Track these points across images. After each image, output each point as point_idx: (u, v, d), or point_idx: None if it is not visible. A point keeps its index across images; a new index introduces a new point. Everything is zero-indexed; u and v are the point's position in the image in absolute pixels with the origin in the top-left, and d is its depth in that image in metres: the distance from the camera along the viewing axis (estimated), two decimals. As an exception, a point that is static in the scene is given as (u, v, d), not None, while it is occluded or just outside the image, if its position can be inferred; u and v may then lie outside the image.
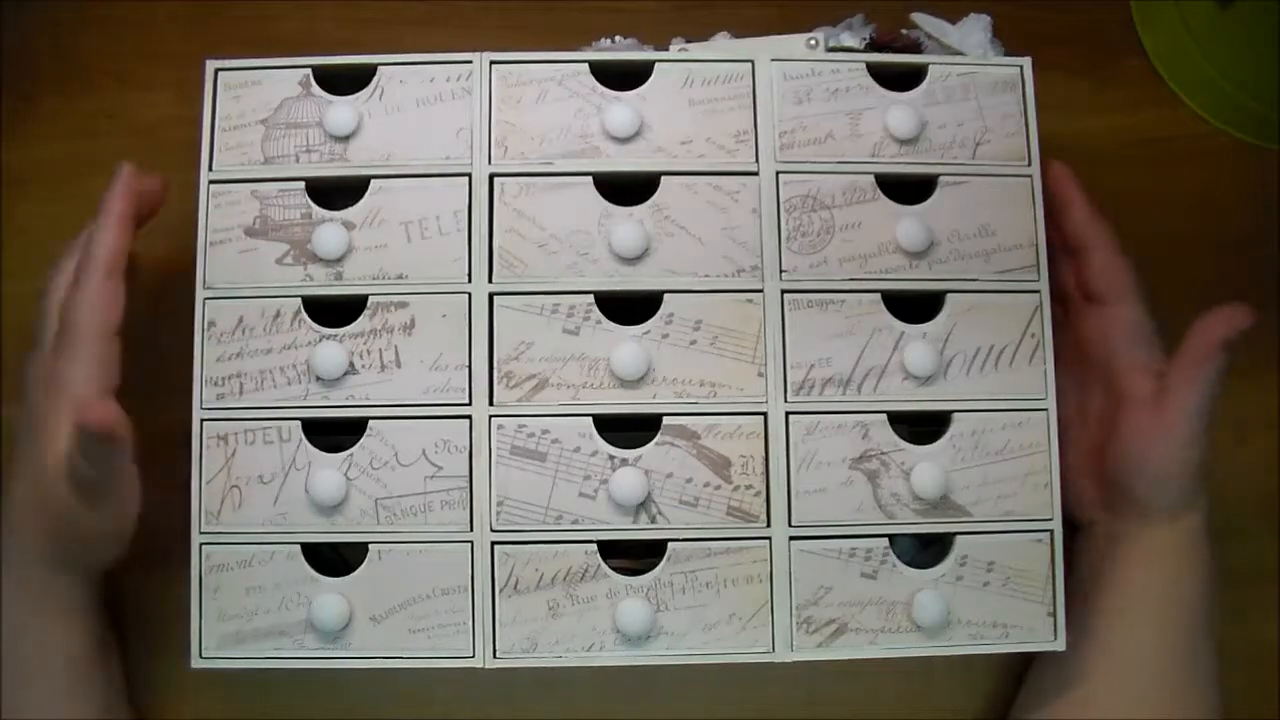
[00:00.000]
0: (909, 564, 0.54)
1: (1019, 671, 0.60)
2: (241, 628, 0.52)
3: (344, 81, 0.55)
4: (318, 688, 0.59)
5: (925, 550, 0.57)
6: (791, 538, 0.54)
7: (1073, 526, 0.58)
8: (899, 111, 0.55)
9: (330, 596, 0.52)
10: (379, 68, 0.55)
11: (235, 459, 0.53)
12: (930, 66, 0.57)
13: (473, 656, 0.53)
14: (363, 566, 0.53)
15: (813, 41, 0.58)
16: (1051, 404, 0.55)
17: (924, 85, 0.57)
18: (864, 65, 0.56)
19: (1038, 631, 0.54)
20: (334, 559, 0.55)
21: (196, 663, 0.52)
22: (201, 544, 0.53)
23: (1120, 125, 0.67)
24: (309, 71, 0.55)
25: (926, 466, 0.54)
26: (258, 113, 0.55)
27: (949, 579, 0.54)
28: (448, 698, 0.59)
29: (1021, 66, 0.57)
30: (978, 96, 0.57)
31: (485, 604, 0.53)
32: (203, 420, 0.53)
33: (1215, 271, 0.65)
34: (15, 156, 0.62)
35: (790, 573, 0.53)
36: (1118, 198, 0.65)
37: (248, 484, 0.53)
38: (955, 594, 0.54)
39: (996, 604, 0.54)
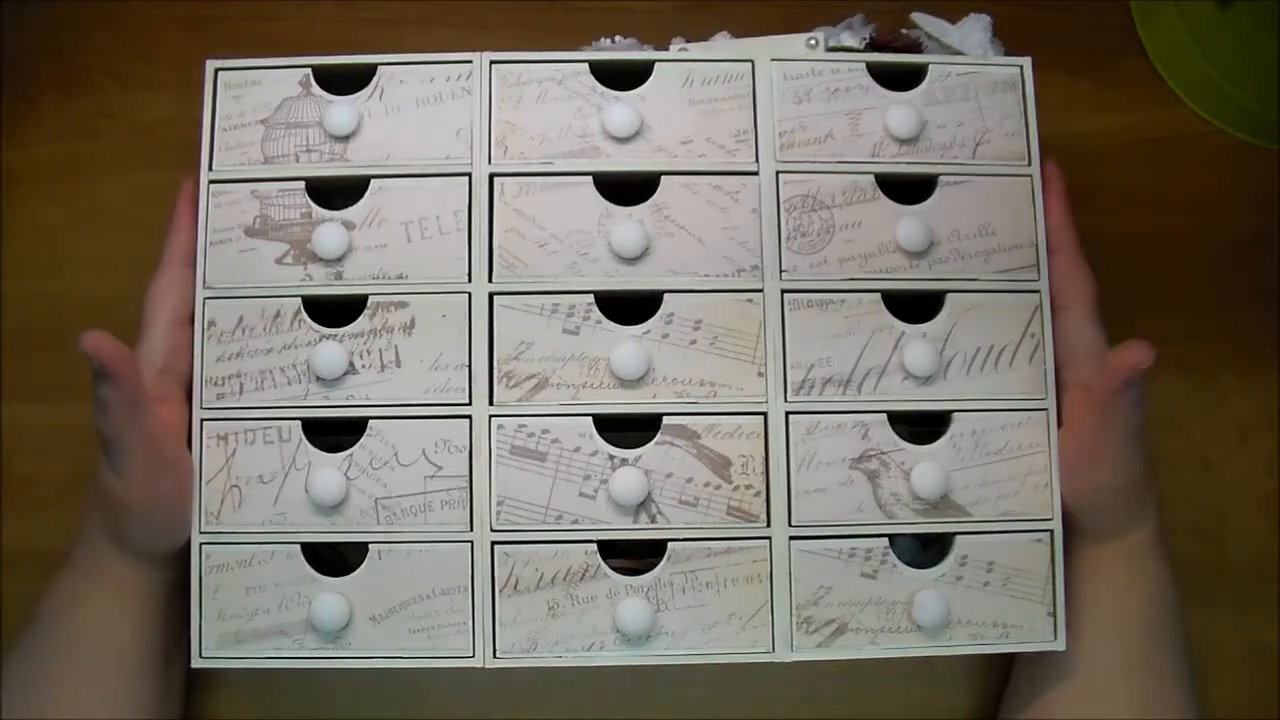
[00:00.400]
0: (909, 564, 0.54)
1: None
2: (241, 627, 0.52)
3: (344, 81, 0.55)
4: (318, 688, 0.59)
5: (925, 550, 0.57)
6: (791, 538, 0.54)
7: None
8: (899, 111, 0.55)
9: (330, 596, 0.52)
10: (379, 68, 0.55)
11: (235, 459, 0.53)
12: (930, 66, 0.57)
13: (473, 656, 0.53)
14: (363, 566, 0.53)
15: (813, 41, 0.58)
16: (1051, 404, 0.55)
17: (924, 85, 0.57)
18: (864, 65, 0.56)
19: (1038, 631, 0.54)
20: (334, 559, 0.55)
21: (196, 662, 0.52)
22: (201, 544, 0.53)
23: (1120, 125, 0.67)
24: (309, 71, 0.55)
25: (927, 466, 0.54)
26: (258, 112, 0.55)
27: (949, 579, 0.54)
28: (447, 697, 0.59)
29: (1021, 66, 0.57)
30: (978, 96, 0.57)
31: (485, 604, 0.53)
32: (203, 420, 0.53)
33: (1215, 271, 0.65)
34: (15, 156, 0.62)
35: (790, 573, 0.53)
36: (1118, 198, 0.65)
37: (248, 484, 0.53)
38: (955, 594, 0.54)
39: (996, 604, 0.54)
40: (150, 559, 0.54)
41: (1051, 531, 0.54)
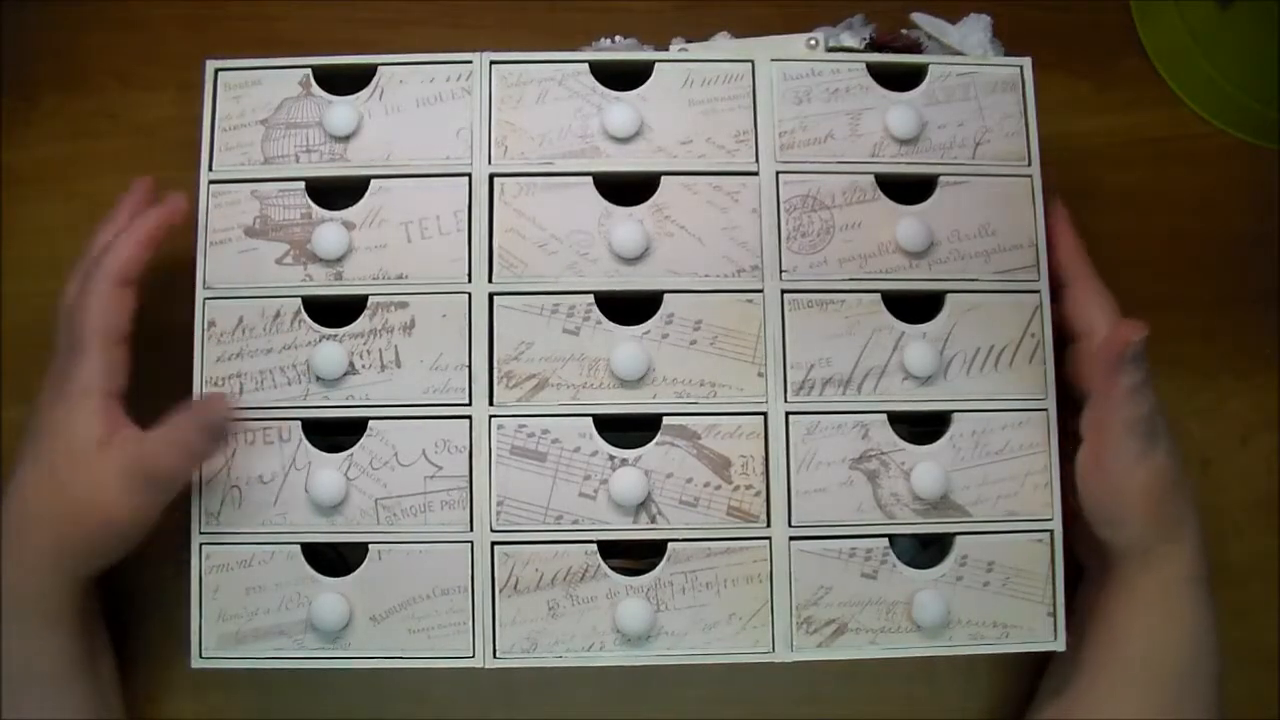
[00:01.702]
0: (909, 564, 0.54)
1: (1021, 672, 0.60)
2: (241, 628, 0.52)
3: (344, 81, 0.55)
4: (318, 688, 0.59)
5: (925, 550, 0.57)
6: (791, 538, 0.54)
7: (1079, 570, 0.58)
8: (899, 111, 0.55)
9: (330, 596, 0.52)
10: (379, 68, 0.55)
11: (235, 459, 0.53)
12: (930, 66, 0.57)
13: (472, 656, 0.53)
14: (363, 566, 0.53)
15: (813, 41, 0.58)
16: (1051, 404, 0.55)
17: (924, 85, 0.57)
18: (864, 65, 0.56)
19: (1038, 632, 0.54)
20: (334, 559, 0.55)
21: (196, 663, 0.52)
22: (201, 544, 0.53)
23: (1120, 125, 0.67)
24: (309, 71, 0.55)
25: (927, 466, 0.54)
26: (258, 113, 0.55)
27: (949, 579, 0.54)
28: (447, 697, 0.59)
29: (1021, 67, 0.57)
30: (978, 96, 0.57)
31: (485, 604, 0.53)
32: (203, 420, 0.53)
33: (1215, 271, 0.65)
34: (15, 156, 0.62)
35: (790, 573, 0.53)
36: (1118, 198, 0.65)
37: (248, 484, 0.53)
38: (955, 594, 0.54)
39: (996, 604, 0.54)
40: (97, 572, 0.54)
41: (1051, 532, 0.54)
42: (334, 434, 0.54)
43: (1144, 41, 0.68)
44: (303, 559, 0.53)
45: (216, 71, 0.55)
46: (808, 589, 0.53)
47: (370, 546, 0.53)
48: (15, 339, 0.60)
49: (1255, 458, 0.63)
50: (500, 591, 0.53)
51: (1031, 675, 0.59)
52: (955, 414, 0.55)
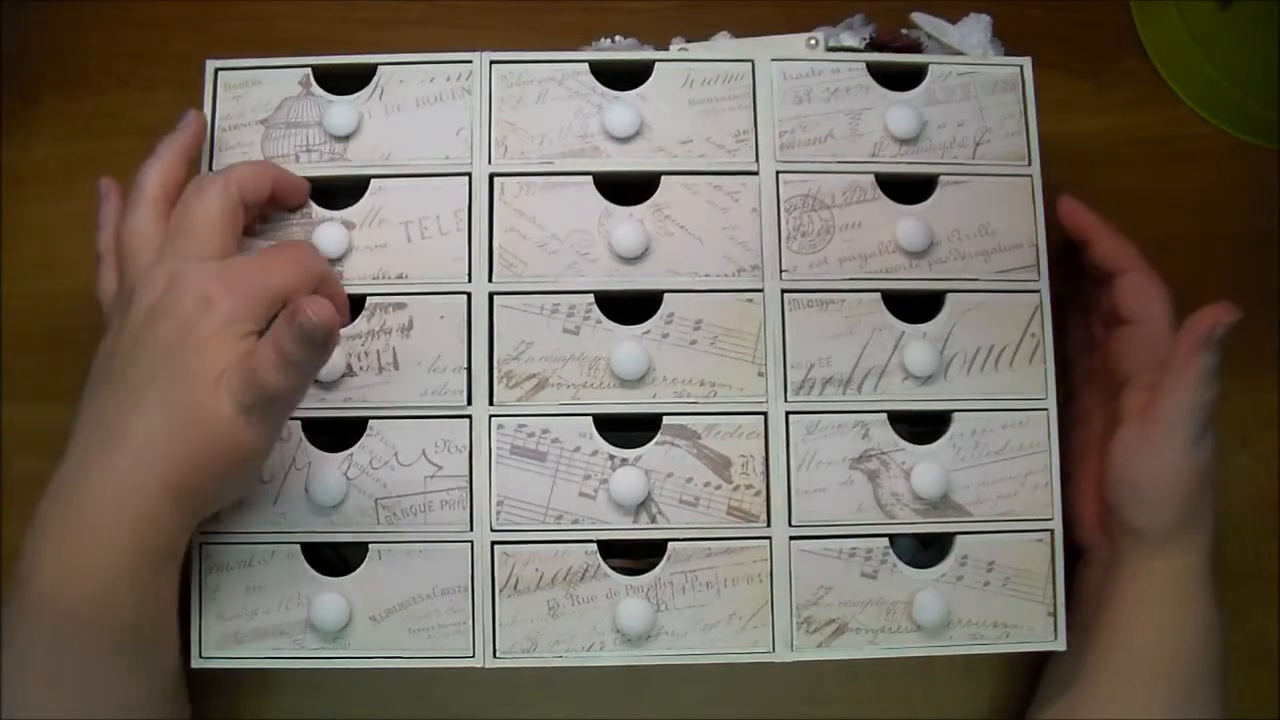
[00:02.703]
0: (909, 564, 0.54)
1: (1021, 672, 0.60)
2: (241, 627, 0.52)
3: (344, 81, 0.55)
4: (318, 688, 0.59)
5: (925, 550, 0.57)
6: (792, 537, 0.54)
7: (1075, 553, 0.58)
8: (899, 111, 0.55)
9: (330, 596, 0.52)
10: (379, 67, 0.55)
11: None
12: (930, 66, 0.57)
13: (473, 656, 0.53)
14: (363, 566, 0.53)
15: (813, 41, 0.58)
16: (1052, 404, 0.55)
17: (924, 85, 0.57)
18: (864, 65, 0.56)
19: (1038, 631, 0.54)
20: (334, 559, 0.55)
21: (196, 662, 0.52)
22: (201, 543, 0.53)
23: (1120, 125, 0.66)
24: (309, 71, 0.55)
25: (927, 466, 0.54)
26: (258, 112, 0.55)
27: (949, 579, 0.54)
28: (448, 697, 0.59)
29: (1021, 66, 0.57)
30: (978, 96, 0.57)
31: (485, 604, 0.53)
32: (202, 420, 0.53)
33: (1215, 271, 0.65)
34: (15, 156, 0.62)
35: (790, 572, 0.53)
36: (1118, 198, 0.65)
37: None
38: (955, 594, 0.54)
39: (997, 604, 0.54)
40: (204, 515, 0.50)
41: (1052, 531, 0.54)
42: (334, 433, 0.54)
43: (1144, 41, 0.68)
44: (303, 559, 0.53)
45: (216, 71, 0.55)
46: (808, 589, 0.53)
47: (370, 546, 0.53)
48: (15, 339, 0.60)
49: (1255, 458, 0.63)
50: (500, 591, 0.53)
51: (1031, 675, 0.59)
52: (955, 414, 0.55)
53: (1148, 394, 0.53)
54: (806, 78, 0.56)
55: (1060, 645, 0.54)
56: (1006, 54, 0.59)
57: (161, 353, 0.47)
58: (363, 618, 0.52)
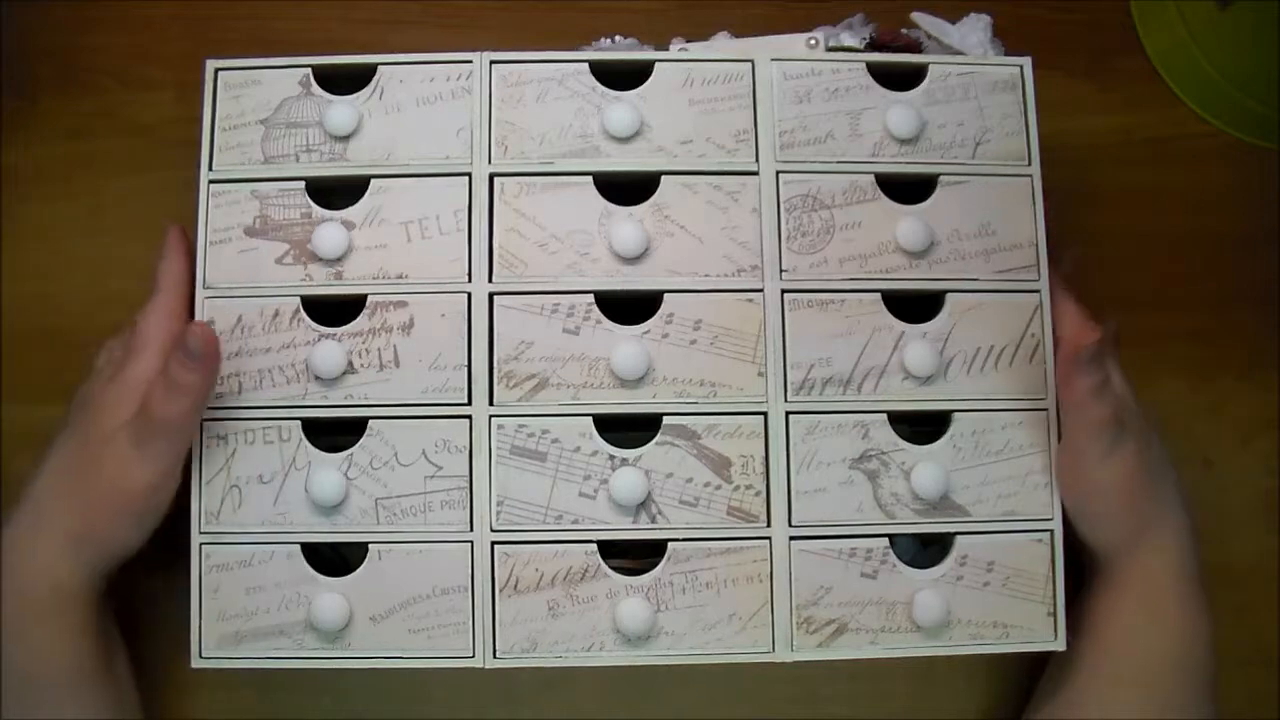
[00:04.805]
0: (909, 563, 0.54)
1: (1019, 672, 0.60)
2: (241, 627, 0.52)
3: (344, 81, 0.55)
4: (319, 688, 0.59)
5: (925, 550, 0.56)
6: (792, 538, 0.53)
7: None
8: (899, 111, 0.55)
9: (330, 596, 0.52)
10: (379, 67, 0.55)
11: (235, 459, 0.53)
12: (930, 66, 0.57)
13: (473, 656, 0.52)
14: (363, 567, 0.53)
15: (813, 41, 0.58)
16: (1051, 403, 0.55)
17: (924, 85, 0.56)
18: (864, 65, 0.56)
19: (1038, 631, 0.54)
20: (334, 559, 0.55)
21: (197, 662, 0.52)
22: (202, 544, 0.52)
23: (1120, 125, 0.66)
24: (309, 71, 0.55)
25: (927, 467, 0.54)
26: (258, 112, 0.55)
27: (949, 579, 0.54)
28: (447, 697, 0.59)
29: (1021, 66, 0.57)
30: (978, 96, 0.56)
31: (485, 604, 0.53)
32: (202, 420, 0.53)
33: (1215, 271, 0.65)
34: (15, 156, 0.62)
35: (790, 573, 0.53)
36: (1117, 198, 0.65)
37: (248, 484, 0.53)
38: (955, 594, 0.54)
39: (996, 604, 0.54)
40: (106, 563, 0.53)
41: (1051, 531, 0.54)
42: (334, 434, 0.53)
43: (1144, 41, 0.68)
44: (303, 559, 0.52)
45: (216, 71, 0.55)
46: (808, 589, 0.53)
47: (370, 546, 0.53)
48: (15, 339, 0.60)
49: (1255, 458, 0.63)
50: (500, 591, 0.53)
51: (1030, 675, 0.59)
52: (955, 414, 0.54)
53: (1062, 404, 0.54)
54: (806, 78, 0.56)
55: (1060, 645, 0.54)
56: (1006, 54, 0.59)
57: (73, 420, 0.53)
58: (363, 618, 0.52)
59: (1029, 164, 0.56)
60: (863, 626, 0.53)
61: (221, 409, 0.53)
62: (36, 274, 0.58)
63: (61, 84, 0.62)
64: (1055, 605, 0.54)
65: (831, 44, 0.58)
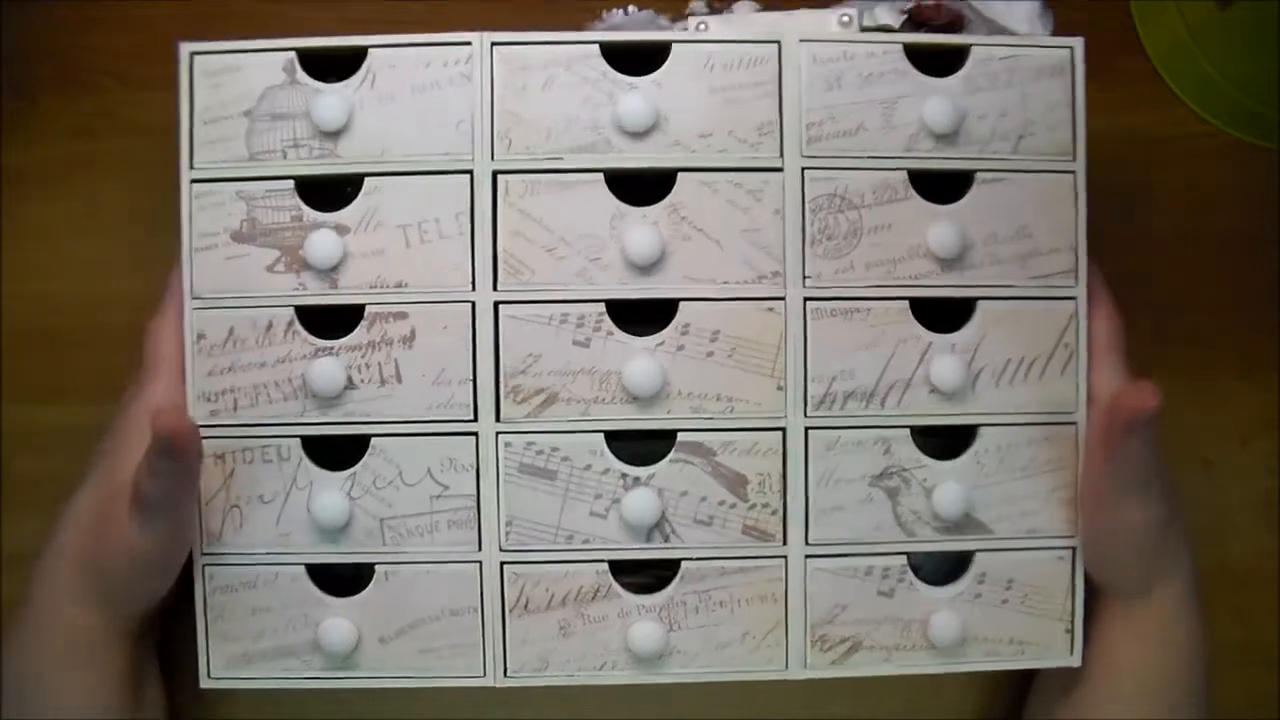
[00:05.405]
0: (929, 572, 0.37)
1: (1020, 673, 0.42)
2: (249, 649, 0.36)
3: (331, 67, 0.35)
4: (326, 694, 0.41)
5: (946, 558, 0.38)
6: (808, 556, 0.36)
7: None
8: (937, 103, 0.35)
9: (336, 621, 0.35)
10: (369, 50, 0.35)
11: (234, 478, 0.35)
12: (972, 49, 0.36)
13: (484, 675, 0.36)
14: (370, 588, 0.36)
15: (845, 18, 0.36)
16: (1081, 417, 0.36)
17: (965, 70, 0.36)
18: (901, 47, 0.35)
19: (1054, 649, 0.37)
20: (345, 567, 0.37)
21: (205, 682, 0.36)
22: (204, 565, 0.35)
23: (1120, 125, 0.45)
24: (293, 55, 0.35)
25: (949, 487, 0.36)
26: (239, 103, 0.35)
27: (967, 596, 0.36)
28: (449, 699, 0.42)
29: (1072, 49, 0.36)
30: (1022, 83, 0.36)
31: (495, 624, 0.36)
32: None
33: (1215, 271, 0.45)
34: (15, 156, 0.43)
35: (805, 591, 0.36)
36: (1118, 198, 0.44)
37: (248, 503, 0.35)
38: (972, 611, 0.37)
39: (1014, 621, 0.37)
40: (130, 611, 0.35)
41: (1074, 549, 0.36)
42: (337, 447, 0.35)
43: (1143, 41, 0.46)
44: (308, 580, 0.36)
45: (192, 56, 0.35)
46: (823, 607, 0.36)
47: (376, 568, 0.35)
48: (15, 339, 0.42)
49: (1255, 458, 0.44)
50: (510, 612, 0.36)
51: (1025, 675, 0.42)
52: (982, 428, 0.36)
53: (1091, 452, 0.36)
54: (838, 62, 0.35)
55: (1075, 661, 0.37)
56: (1056, 32, 0.37)
57: (96, 461, 0.35)
58: (371, 639, 0.36)
59: (1074, 159, 0.36)
60: (877, 644, 0.36)
61: (217, 426, 0.35)
62: (36, 274, 0.40)
63: (61, 84, 0.43)
64: (1073, 622, 0.37)
65: (866, 23, 0.36)
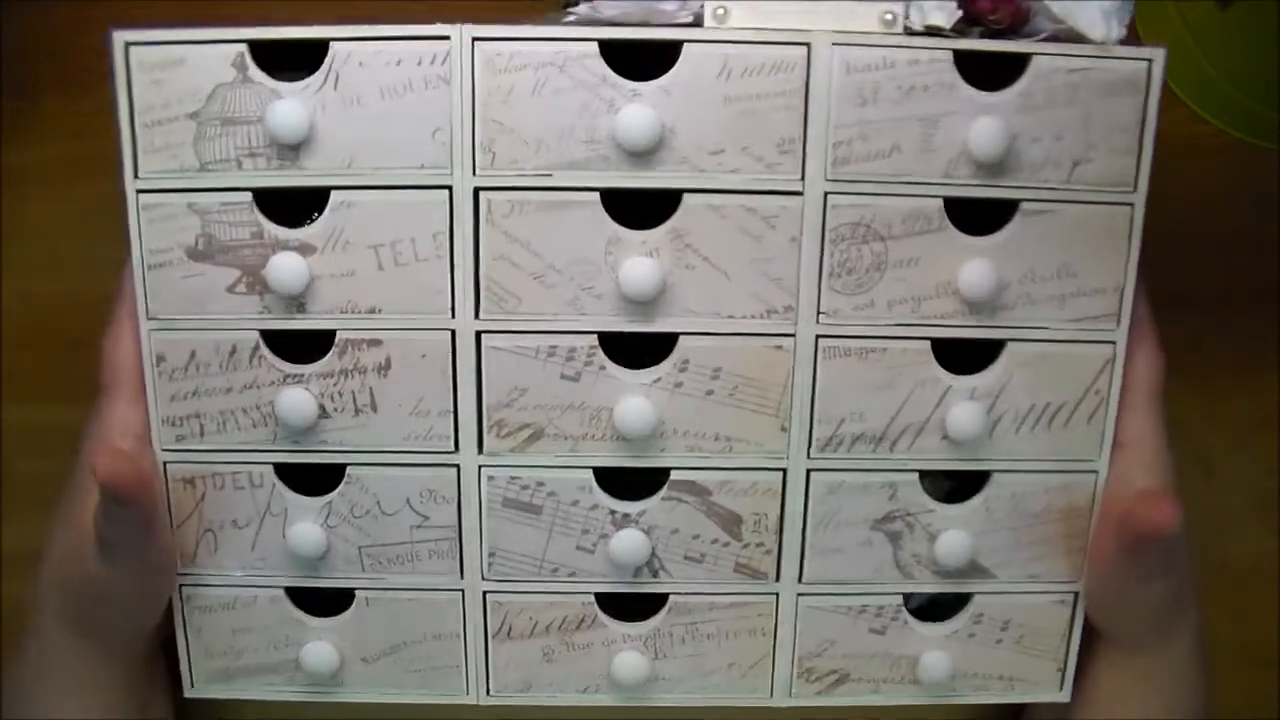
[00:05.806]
0: (921, 599, 0.36)
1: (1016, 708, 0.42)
2: (230, 664, 0.35)
3: (288, 63, 0.31)
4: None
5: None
6: (800, 594, 0.35)
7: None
8: (985, 126, 0.30)
9: (318, 645, 0.35)
10: (331, 44, 0.30)
11: (205, 503, 0.34)
12: (1033, 59, 0.31)
13: (467, 694, 0.36)
14: (351, 610, 0.35)
15: (890, 16, 0.31)
16: (1103, 466, 0.34)
17: (1022, 83, 0.31)
18: (950, 56, 0.30)
19: (1043, 685, 0.37)
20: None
21: (189, 693, 0.36)
22: (181, 585, 0.34)
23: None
24: (244, 49, 0.30)
25: (953, 536, 0.34)
26: (185, 104, 0.31)
27: (960, 636, 0.36)
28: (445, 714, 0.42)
29: (1151, 61, 0.31)
30: (1087, 101, 0.31)
31: (478, 648, 0.35)
32: (165, 462, 0.33)
33: (1215, 272, 0.42)
34: (15, 156, 0.40)
35: (795, 626, 0.35)
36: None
37: (222, 528, 0.34)
38: (965, 649, 0.36)
39: (1007, 659, 0.36)
40: (121, 642, 0.34)
41: (1076, 594, 0.35)
42: (313, 468, 0.34)
43: (1144, 41, 0.41)
44: (288, 601, 0.35)
45: (127, 46, 0.30)
46: (813, 641, 0.36)
47: (356, 593, 0.34)
48: (15, 339, 0.40)
49: (1255, 458, 0.43)
50: (494, 638, 0.35)
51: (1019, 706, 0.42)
52: (995, 474, 0.34)
53: (1105, 521, 0.34)
54: (875, 71, 0.30)
55: (1065, 697, 0.37)
56: (1129, 40, 0.32)
57: (67, 494, 0.33)
58: (354, 659, 0.35)
59: (1134, 189, 0.32)
60: (865, 677, 0.36)
61: (183, 451, 0.33)
62: (36, 274, 0.38)
63: (61, 84, 0.39)
64: (1066, 661, 0.36)
65: (914, 21, 0.31)
